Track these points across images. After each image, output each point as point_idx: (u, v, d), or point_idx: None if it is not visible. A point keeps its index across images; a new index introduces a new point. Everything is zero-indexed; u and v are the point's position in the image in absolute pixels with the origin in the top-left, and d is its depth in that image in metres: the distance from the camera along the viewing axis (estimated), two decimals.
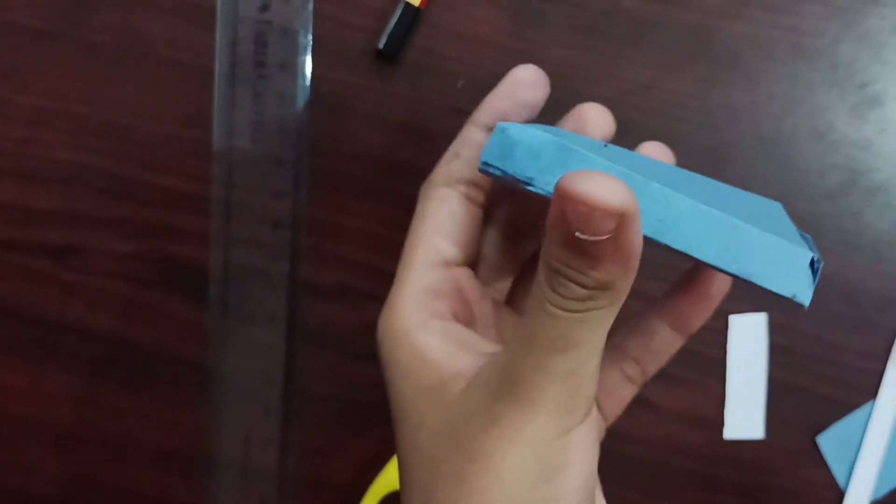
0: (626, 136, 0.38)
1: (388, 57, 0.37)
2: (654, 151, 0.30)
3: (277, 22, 0.37)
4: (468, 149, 0.27)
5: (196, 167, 0.38)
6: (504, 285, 0.30)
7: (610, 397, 0.28)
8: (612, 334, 0.28)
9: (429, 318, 0.25)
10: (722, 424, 0.39)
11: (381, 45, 0.37)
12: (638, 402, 0.39)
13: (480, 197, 0.28)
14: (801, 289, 0.22)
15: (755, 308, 0.39)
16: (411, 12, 0.37)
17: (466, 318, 0.27)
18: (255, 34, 0.37)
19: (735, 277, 0.23)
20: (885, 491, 0.40)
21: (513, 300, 0.30)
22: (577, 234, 0.19)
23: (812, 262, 0.22)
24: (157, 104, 0.38)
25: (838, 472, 0.40)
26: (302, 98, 0.37)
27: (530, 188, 0.23)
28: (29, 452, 0.40)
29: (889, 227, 0.39)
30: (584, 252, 0.20)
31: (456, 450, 0.23)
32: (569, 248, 0.20)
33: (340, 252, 0.39)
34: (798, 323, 0.39)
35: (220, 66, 0.37)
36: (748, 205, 0.27)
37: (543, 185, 0.23)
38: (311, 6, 0.37)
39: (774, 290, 0.23)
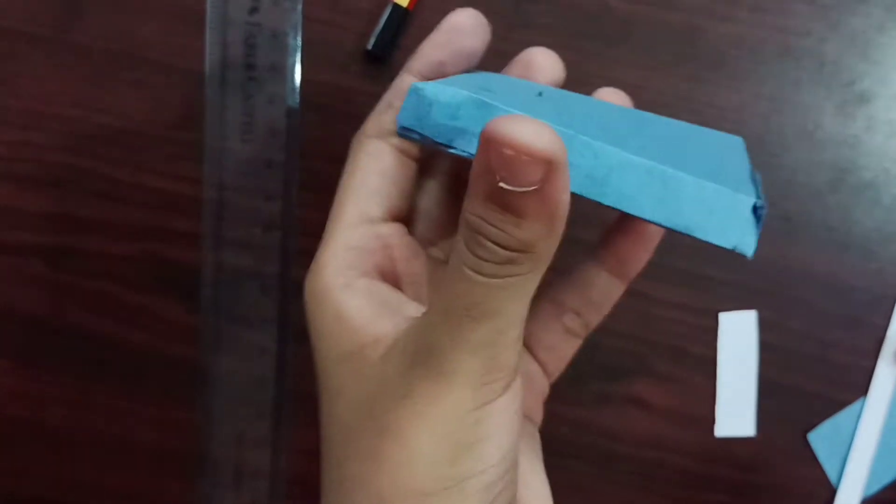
0: None
1: (378, 58, 0.38)
2: (609, 95, 0.28)
3: (267, 24, 0.37)
4: (401, 99, 0.25)
5: (187, 169, 0.38)
6: (448, 243, 0.28)
7: (552, 353, 0.27)
8: (548, 288, 0.27)
9: (353, 277, 0.24)
10: (713, 422, 0.40)
11: (369, 47, 0.37)
12: (628, 401, 0.40)
13: (414, 150, 0.26)
14: (742, 238, 0.21)
15: (745, 305, 0.39)
16: (400, 14, 0.37)
17: (394, 278, 0.25)
18: (244, 37, 0.37)
19: (673, 231, 0.21)
20: (876, 488, 0.40)
21: None
22: (500, 184, 0.18)
23: (755, 209, 0.21)
24: (149, 107, 0.38)
25: (830, 469, 0.40)
26: (292, 100, 0.38)
27: (452, 150, 0.22)
28: (23, 454, 0.40)
29: (878, 225, 0.39)
30: (508, 206, 0.18)
31: (370, 423, 0.21)
32: (491, 201, 0.18)
33: None
34: (788, 320, 0.39)
35: (210, 68, 0.38)
36: (700, 146, 0.25)
37: (464, 146, 0.21)
38: (300, 8, 0.37)
39: (714, 241, 0.21)
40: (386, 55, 0.38)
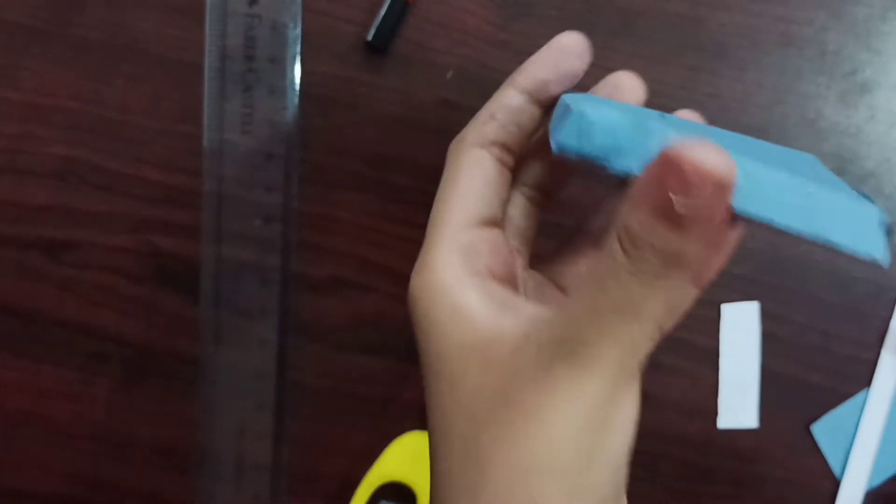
0: None
1: (378, 49, 0.38)
2: (690, 116, 0.30)
3: (266, 16, 0.37)
4: (504, 112, 0.27)
5: (187, 162, 0.38)
6: (526, 249, 0.30)
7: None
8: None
9: (467, 276, 0.26)
10: (715, 413, 0.39)
11: (369, 38, 0.37)
12: None
13: (511, 161, 0.28)
14: (877, 248, 0.22)
15: (747, 297, 0.39)
16: (400, 4, 0.37)
17: (502, 278, 0.27)
18: (244, 28, 0.37)
19: (814, 241, 0.23)
20: (881, 479, 0.40)
21: (535, 264, 0.30)
22: (672, 197, 0.20)
23: (883, 220, 0.22)
24: (149, 100, 0.38)
25: (833, 461, 0.40)
26: (291, 91, 0.38)
27: (610, 168, 0.23)
28: (24, 448, 0.40)
29: None
30: (675, 221, 0.20)
31: (503, 405, 0.23)
32: (659, 215, 0.20)
33: (331, 245, 0.39)
34: (790, 312, 0.39)
35: (209, 60, 0.38)
36: (801, 163, 0.27)
37: (623, 164, 0.23)
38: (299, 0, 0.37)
39: (857, 251, 0.22)
40: (386, 46, 0.38)
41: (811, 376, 0.39)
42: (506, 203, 0.28)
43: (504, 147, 0.27)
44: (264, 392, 0.39)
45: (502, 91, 0.28)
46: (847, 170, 0.39)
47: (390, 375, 0.39)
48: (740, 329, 0.39)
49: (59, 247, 0.39)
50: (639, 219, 0.21)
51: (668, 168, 0.20)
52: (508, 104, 0.27)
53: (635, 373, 0.23)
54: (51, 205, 0.39)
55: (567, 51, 0.27)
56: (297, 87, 0.38)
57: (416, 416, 0.40)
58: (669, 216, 0.20)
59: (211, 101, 0.38)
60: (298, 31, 0.37)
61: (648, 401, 0.39)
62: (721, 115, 0.38)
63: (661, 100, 0.38)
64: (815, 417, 0.39)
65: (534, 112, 0.27)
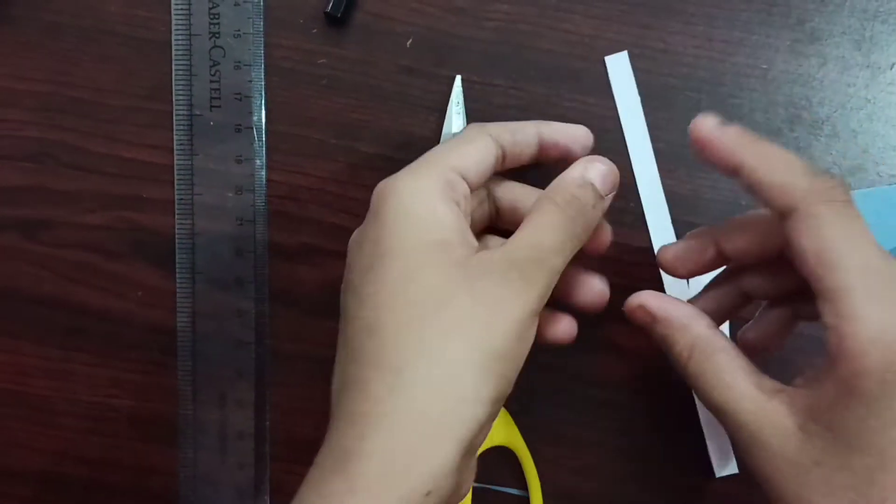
0: (574, 84, 0.39)
1: (338, 21, 0.39)
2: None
3: None
4: (520, 135, 0.33)
5: (158, 138, 0.40)
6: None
7: None
8: None
9: (448, 198, 0.30)
10: None
11: (328, 9, 0.38)
12: (602, 345, 0.40)
13: (502, 167, 0.33)
14: None
15: None
16: None
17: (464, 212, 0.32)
18: (207, 6, 0.39)
19: None
20: None
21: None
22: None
23: None
24: (119, 79, 0.39)
25: None
26: (256, 65, 0.39)
27: None
28: (6, 426, 0.40)
29: (836, 159, 0.40)
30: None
31: (465, 288, 0.29)
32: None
33: (302, 213, 0.40)
34: None
35: (176, 38, 0.39)
36: None
37: None
38: None
39: None
40: (346, 17, 0.39)
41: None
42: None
43: (504, 154, 0.33)
44: (243, 360, 0.40)
45: (527, 124, 0.34)
46: (802, 117, 0.40)
47: None
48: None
49: (35, 226, 0.40)
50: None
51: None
52: (525, 133, 0.34)
53: (547, 292, 0.30)
54: (26, 185, 0.40)
55: (583, 141, 0.35)
56: (262, 60, 0.39)
57: None
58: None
59: (179, 79, 0.39)
60: (261, 5, 0.39)
61: (620, 353, 0.40)
62: (674, 70, 0.39)
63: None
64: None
65: (534, 152, 0.34)
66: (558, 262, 0.30)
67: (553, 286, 0.30)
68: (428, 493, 0.27)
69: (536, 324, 0.30)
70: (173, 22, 0.39)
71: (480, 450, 0.40)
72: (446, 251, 0.29)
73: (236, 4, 0.39)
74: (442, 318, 0.28)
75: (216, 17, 0.39)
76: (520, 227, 0.30)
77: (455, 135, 0.33)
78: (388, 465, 0.27)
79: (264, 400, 0.40)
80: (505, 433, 0.39)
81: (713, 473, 0.40)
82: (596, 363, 0.40)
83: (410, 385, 0.27)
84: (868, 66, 0.40)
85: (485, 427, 0.29)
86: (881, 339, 0.27)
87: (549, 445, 0.40)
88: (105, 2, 0.39)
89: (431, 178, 0.30)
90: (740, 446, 0.30)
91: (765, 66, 0.40)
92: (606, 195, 0.32)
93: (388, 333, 0.28)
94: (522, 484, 0.40)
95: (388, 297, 0.29)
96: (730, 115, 0.39)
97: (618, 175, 0.33)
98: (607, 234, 0.34)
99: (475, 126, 0.33)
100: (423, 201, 0.30)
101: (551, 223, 0.30)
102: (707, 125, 0.31)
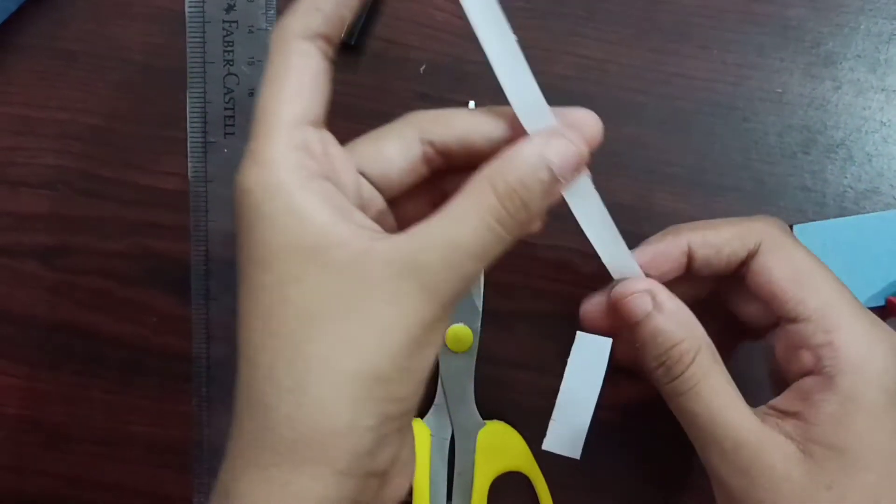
0: (587, 107, 0.39)
1: (351, 48, 0.39)
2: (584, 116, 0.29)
3: (243, 21, 0.39)
4: (329, 4, 0.26)
5: (173, 165, 0.40)
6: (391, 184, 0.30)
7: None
8: None
9: (306, 177, 0.25)
10: None
11: (341, 36, 0.38)
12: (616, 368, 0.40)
13: (331, 53, 0.27)
14: None
15: None
16: (370, 3, 0.38)
17: (335, 182, 0.26)
18: (222, 34, 0.39)
19: None
20: None
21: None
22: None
23: None
24: (134, 107, 0.40)
25: None
26: None
27: None
28: (23, 452, 0.41)
29: (851, 182, 0.39)
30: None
31: (344, 308, 0.24)
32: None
33: None
34: None
35: (190, 66, 0.39)
36: None
37: None
38: (274, 3, 0.38)
39: None
40: (359, 44, 0.39)
41: None
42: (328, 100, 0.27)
43: (327, 39, 0.26)
44: None
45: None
46: (817, 141, 0.40)
47: None
48: None
49: (52, 253, 0.40)
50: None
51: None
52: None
53: (456, 302, 0.25)
54: (43, 213, 0.40)
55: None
56: None
57: None
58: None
59: (194, 106, 0.39)
60: None
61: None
62: (688, 94, 0.39)
63: (630, 82, 0.39)
64: None
65: (355, 4, 0.27)
66: (476, 268, 0.25)
67: (464, 295, 0.26)
68: None
69: (441, 329, 0.26)
70: (188, 50, 0.39)
71: (495, 475, 0.40)
72: (318, 256, 0.24)
73: (250, 32, 0.39)
74: (316, 342, 0.24)
75: (230, 44, 0.39)
76: (436, 212, 0.25)
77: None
78: None
79: None
80: (520, 458, 0.39)
81: None
82: (608, 385, 0.40)
83: (276, 423, 0.24)
84: (883, 90, 0.39)
85: (380, 449, 0.25)
86: (876, 347, 0.28)
87: (564, 470, 0.40)
88: (120, 30, 0.40)
89: (280, 161, 0.25)
90: (736, 467, 0.28)
91: (779, 90, 0.40)
92: (565, 180, 0.26)
93: (260, 365, 0.25)
94: None
95: (259, 321, 0.25)
96: (744, 139, 0.39)
97: (585, 154, 0.26)
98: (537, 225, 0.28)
99: (277, 39, 0.26)
100: (272, 196, 0.25)
101: (479, 218, 0.24)
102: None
